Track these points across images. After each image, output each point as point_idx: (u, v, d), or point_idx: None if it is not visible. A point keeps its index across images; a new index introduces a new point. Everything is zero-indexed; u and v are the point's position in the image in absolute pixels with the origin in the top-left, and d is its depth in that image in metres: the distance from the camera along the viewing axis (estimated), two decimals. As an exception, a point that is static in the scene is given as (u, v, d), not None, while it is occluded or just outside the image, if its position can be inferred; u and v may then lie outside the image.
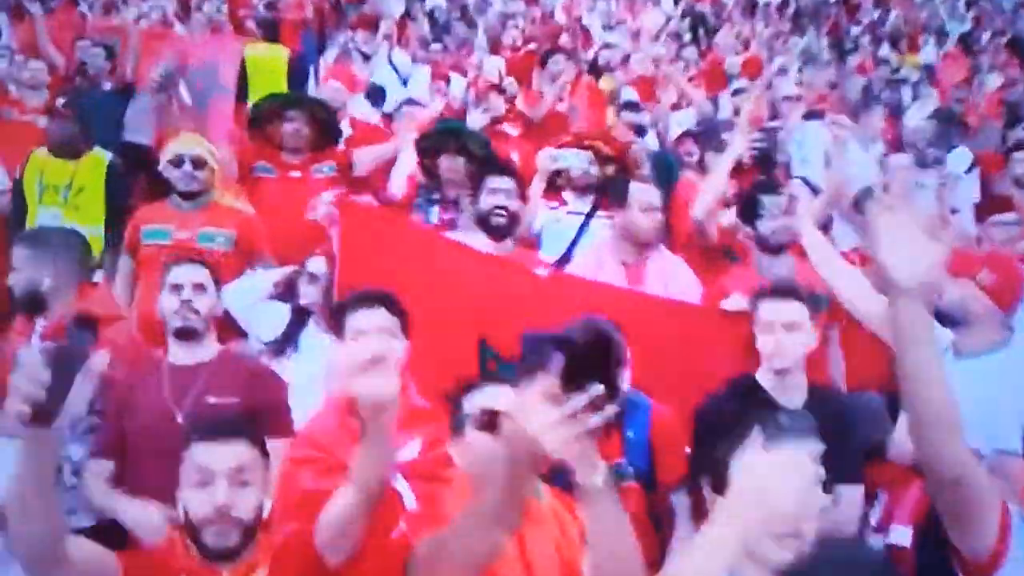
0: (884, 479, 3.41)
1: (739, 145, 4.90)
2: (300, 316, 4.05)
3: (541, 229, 5.08)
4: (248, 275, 4.36)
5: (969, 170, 6.92)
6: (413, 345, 3.05)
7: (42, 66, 7.34)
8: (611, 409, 1.71)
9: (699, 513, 3.13)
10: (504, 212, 4.32)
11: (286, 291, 4.16)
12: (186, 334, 3.36)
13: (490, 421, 2.38)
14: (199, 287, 3.40)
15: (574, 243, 5.09)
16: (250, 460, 2.36)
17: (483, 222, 4.32)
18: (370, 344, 2.65)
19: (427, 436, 2.97)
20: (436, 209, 5.22)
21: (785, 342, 3.24)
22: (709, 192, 4.83)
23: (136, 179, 7.91)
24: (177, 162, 4.71)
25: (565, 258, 5.09)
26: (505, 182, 4.36)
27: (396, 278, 3.50)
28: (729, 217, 4.96)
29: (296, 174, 5.37)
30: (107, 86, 7.79)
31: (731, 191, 5.15)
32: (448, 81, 8.31)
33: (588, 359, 1.70)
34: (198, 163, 4.69)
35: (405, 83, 9.01)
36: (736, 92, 7.62)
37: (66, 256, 3.73)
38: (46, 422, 1.99)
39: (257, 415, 3.28)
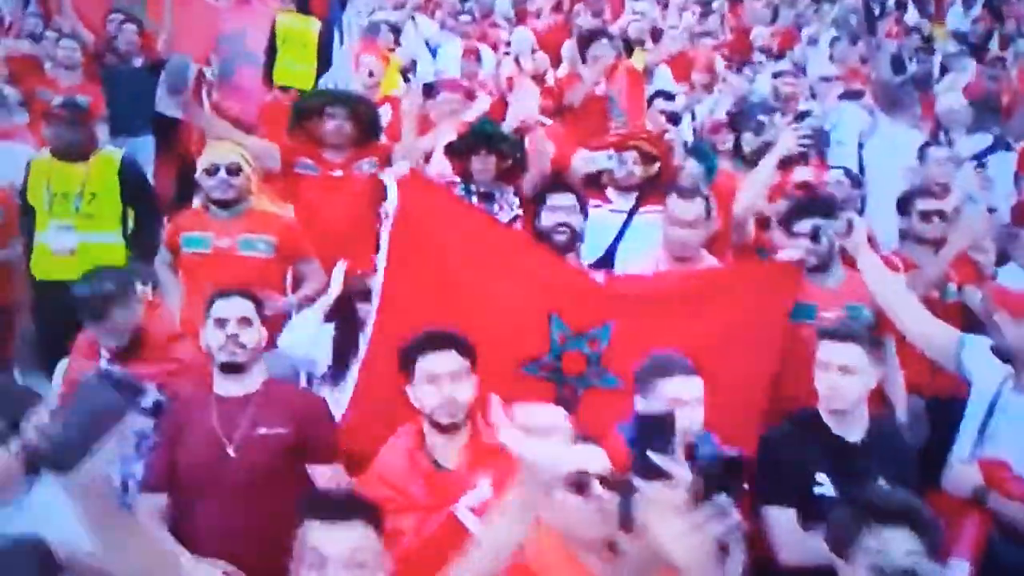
0: (940, 510, 3.47)
1: (787, 142, 4.86)
2: (349, 336, 4.08)
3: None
4: (298, 320, 4.28)
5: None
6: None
7: (76, 44, 7.36)
8: (735, 517, 1.76)
9: (754, 540, 3.24)
10: (567, 229, 4.35)
11: (336, 313, 4.19)
12: (233, 368, 3.41)
13: (581, 483, 2.43)
14: (244, 321, 3.42)
15: (617, 241, 5.16)
16: (366, 542, 2.34)
17: (545, 238, 4.34)
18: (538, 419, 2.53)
19: (497, 474, 3.01)
20: (475, 200, 5.22)
21: (840, 384, 3.28)
22: (751, 190, 4.82)
23: (169, 154, 8.06)
24: (212, 171, 4.65)
25: (608, 257, 5.18)
26: (567, 199, 4.38)
27: (451, 253, 3.61)
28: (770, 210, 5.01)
29: (338, 173, 5.34)
30: (138, 62, 7.81)
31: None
32: (479, 57, 8.24)
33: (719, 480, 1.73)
34: (232, 170, 4.65)
35: (434, 53, 9.00)
36: (777, 75, 7.54)
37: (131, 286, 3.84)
38: (62, 469, 1.97)
39: (306, 443, 3.39)
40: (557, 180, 4.50)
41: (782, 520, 3.25)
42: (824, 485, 3.27)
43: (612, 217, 5.18)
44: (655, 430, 2.18)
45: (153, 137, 7.71)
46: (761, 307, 3.84)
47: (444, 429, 3.07)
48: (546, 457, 2.20)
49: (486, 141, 5.27)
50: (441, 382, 3.03)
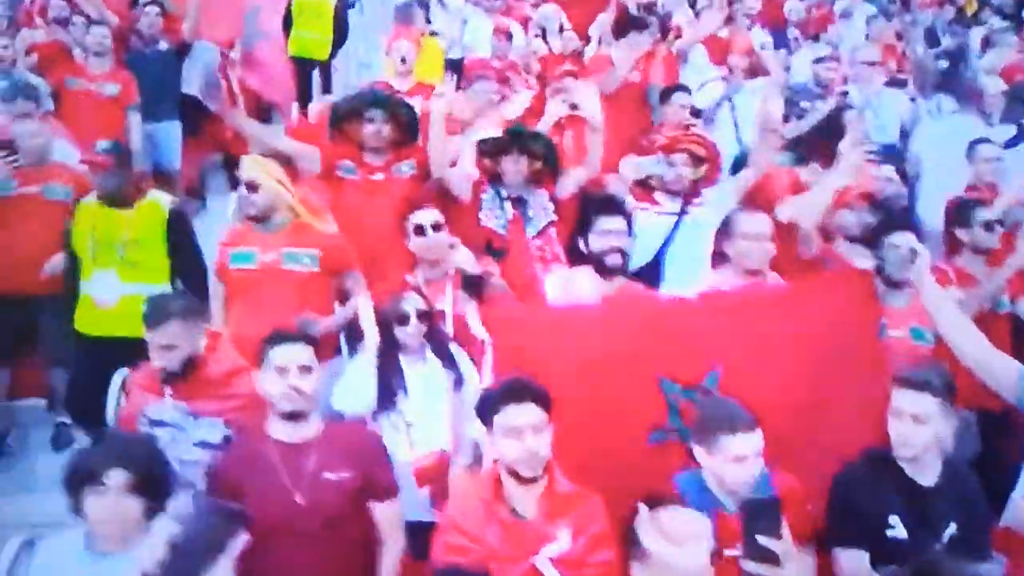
0: (1002, 545, 3.47)
1: (853, 159, 4.78)
2: (390, 364, 4.05)
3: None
4: (351, 374, 4.17)
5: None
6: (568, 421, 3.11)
7: (106, 31, 7.22)
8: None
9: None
10: (618, 253, 4.30)
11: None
12: (294, 416, 3.38)
13: None
14: (304, 368, 3.39)
15: (666, 244, 5.12)
16: None
17: (596, 262, 4.29)
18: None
19: (576, 523, 3.05)
20: (508, 205, 5.16)
21: (911, 433, 3.25)
22: (816, 205, 4.79)
23: (196, 138, 7.98)
24: (239, 187, 4.71)
25: (656, 261, 5.14)
26: (617, 222, 4.32)
27: (551, 365, 3.56)
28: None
29: (379, 176, 5.28)
30: (163, 46, 7.70)
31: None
32: (510, 36, 8.09)
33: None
34: (251, 186, 4.60)
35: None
36: (819, 60, 7.35)
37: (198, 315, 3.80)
38: None
39: (368, 483, 3.39)
40: (607, 201, 4.41)
41: (854, 562, 3.24)
42: (896, 528, 3.25)
43: (660, 220, 5.17)
44: (762, 514, 2.19)
45: (180, 121, 7.68)
46: (852, 319, 3.80)
47: (523, 480, 3.06)
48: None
49: (518, 141, 5.20)
50: (523, 435, 3.01)
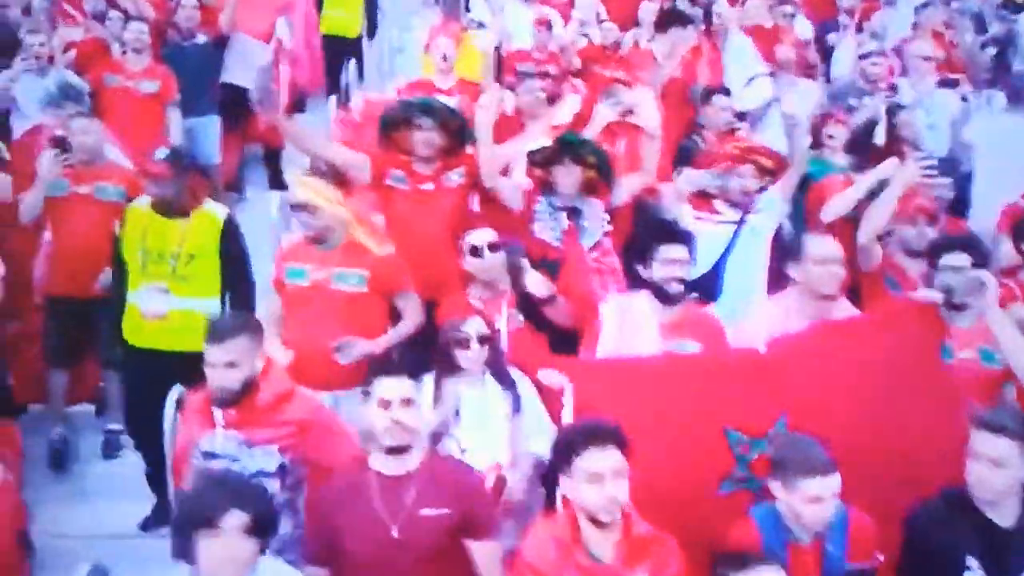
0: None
1: (909, 174, 4.70)
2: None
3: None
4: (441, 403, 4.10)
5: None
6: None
7: (144, 27, 7.17)
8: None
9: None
10: (680, 282, 4.23)
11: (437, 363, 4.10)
12: (396, 450, 3.35)
13: None
14: (407, 402, 3.34)
15: (725, 255, 5.06)
16: None
17: (658, 290, 4.23)
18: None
19: (654, 567, 3.04)
20: (563, 216, 5.08)
21: (990, 476, 3.20)
22: (875, 221, 4.72)
23: (236, 130, 7.94)
24: (292, 208, 4.66)
25: (715, 272, 5.07)
26: (680, 251, 4.25)
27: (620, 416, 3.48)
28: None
29: (429, 186, 5.20)
30: (201, 39, 7.63)
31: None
32: (550, 27, 7.95)
33: None
34: (306, 209, 4.54)
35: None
36: (865, 56, 7.10)
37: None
38: None
39: (466, 521, 3.34)
40: (670, 228, 4.34)
41: (931, 602, 3.22)
42: (973, 570, 3.22)
43: (719, 229, 5.10)
44: None
45: (219, 116, 7.64)
46: (915, 358, 3.75)
47: (601, 524, 3.03)
48: None
49: (570, 151, 5.11)
50: (604, 480, 2.97)
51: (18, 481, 4.97)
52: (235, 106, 7.54)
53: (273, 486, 3.64)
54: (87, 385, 5.91)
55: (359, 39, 9.81)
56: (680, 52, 6.54)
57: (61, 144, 5.51)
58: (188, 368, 4.59)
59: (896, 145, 5.99)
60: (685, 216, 5.01)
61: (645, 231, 4.48)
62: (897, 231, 4.90)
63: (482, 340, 4.01)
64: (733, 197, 5.13)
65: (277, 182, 8.43)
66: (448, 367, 4.03)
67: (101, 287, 5.32)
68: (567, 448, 3.06)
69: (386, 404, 3.32)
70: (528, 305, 4.53)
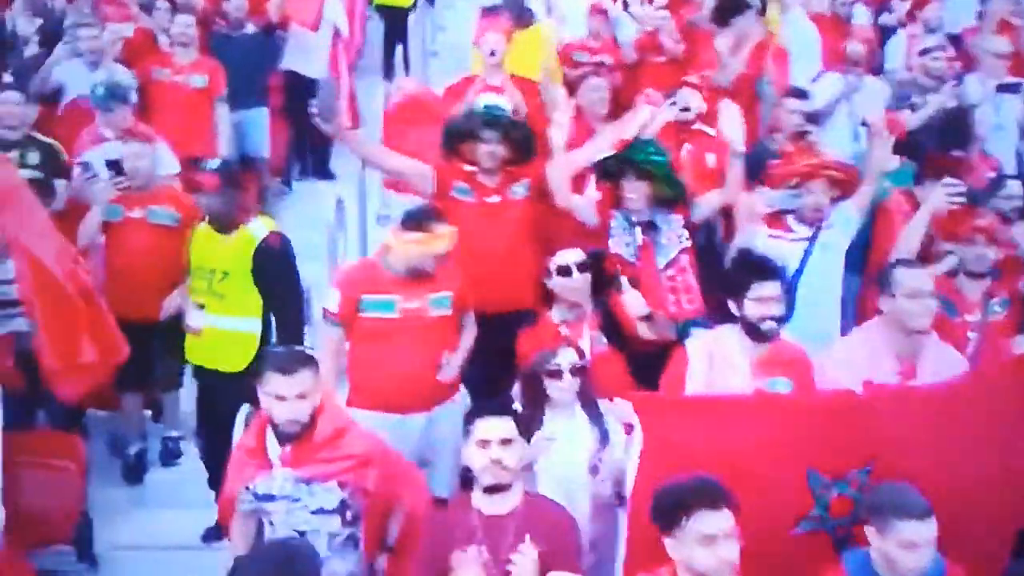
0: None
1: (936, 201, 4.69)
2: (534, 415, 3.90)
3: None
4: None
5: None
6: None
7: (191, 20, 7.02)
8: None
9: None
10: (774, 320, 4.11)
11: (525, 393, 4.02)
12: (496, 489, 3.32)
13: None
14: (507, 442, 3.31)
15: (798, 274, 4.92)
16: None
17: (750, 328, 4.09)
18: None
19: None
20: (639, 231, 4.95)
21: None
22: (909, 242, 4.68)
23: (287, 119, 7.83)
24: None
25: (789, 289, 4.89)
26: (774, 288, 4.10)
27: (698, 453, 3.48)
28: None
29: (495, 199, 5.10)
30: (249, 29, 7.49)
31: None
32: (606, 14, 7.71)
33: None
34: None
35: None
36: (925, 51, 6.80)
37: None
38: None
39: (555, 558, 3.29)
40: (765, 265, 4.21)
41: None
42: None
43: (792, 247, 4.94)
44: None
45: (268, 108, 7.53)
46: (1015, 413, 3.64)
47: None
48: None
49: (635, 164, 4.97)
50: (717, 543, 2.87)
51: (82, 493, 4.99)
52: (295, 94, 7.48)
53: (333, 523, 3.61)
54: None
55: (410, 9, 9.65)
56: (747, 47, 6.33)
57: (116, 166, 5.44)
58: (227, 388, 4.68)
59: (963, 145, 5.81)
60: (761, 236, 4.86)
61: (738, 266, 4.32)
62: (956, 251, 4.76)
63: (574, 371, 3.92)
64: (805, 213, 4.99)
65: (323, 172, 8.37)
66: (538, 398, 3.95)
67: (166, 312, 5.26)
68: (676, 507, 2.94)
69: (485, 444, 3.30)
70: (612, 327, 4.43)
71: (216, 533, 5.04)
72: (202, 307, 4.91)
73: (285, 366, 3.59)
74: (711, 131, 5.71)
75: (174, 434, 5.75)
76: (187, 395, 5.62)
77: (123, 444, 5.73)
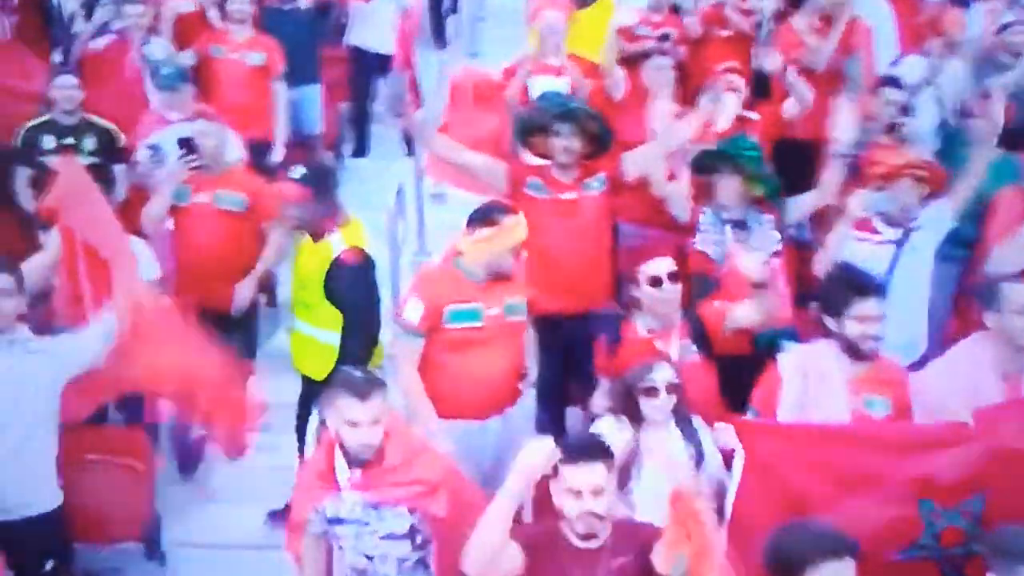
0: None
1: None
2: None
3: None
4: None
5: None
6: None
7: (246, -4, 6.83)
8: None
9: None
10: (875, 339, 3.94)
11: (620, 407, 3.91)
12: (588, 537, 3.18)
13: None
14: (598, 491, 3.14)
15: (887, 276, 4.71)
16: None
17: (850, 347, 3.93)
18: None
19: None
20: (729, 230, 4.81)
21: None
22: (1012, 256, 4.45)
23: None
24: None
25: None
26: (876, 307, 3.93)
27: (802, 478, 3.41)
28: None
29: (570, 195, 4.93)
30: (302, 3, 7.28)
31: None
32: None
33: None
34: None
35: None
36: (1004, 27, 6.31)
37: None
38: None
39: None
40: (867, 282, 4.02)
41: None
42: None
43: (879, 250, 4.76)
44: None
45: (320, 85, 7.35)
46: None
47: None
48: None
49: (731, 160, 4.80)
50: None
51: (151, 491, 4.94)
52: (361, 68, 7.42)
53: (403, 548, 3.55)
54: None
55: None
56: (840, 25, 6.04)
57: (187, 146, 5.29)
58: (316, 393, 4.53)
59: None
60: (848, 240, 4.68)
61: (837, 282, 4.13)
62: None
63: (670, 389, 3.79)
64: (893, 215, 4.79)
65: (362, 149, 8.23)
66: (631, 415, 3.83)
67: (238, 306, 5.17)
68: (798, 559, 2.83)
69: (577, 494, 3.13)
70: (702, 336, 4.28)
71: (283, 515, 4.99)
72: (292, 311, 4.85)
73: (361, 391, 3.47)
74: (753, 116, 5.57)
75: (243, 429, 5.67)
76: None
77: (182, 431, 5.67)
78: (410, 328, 4.31)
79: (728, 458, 3.72)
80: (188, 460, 5.56)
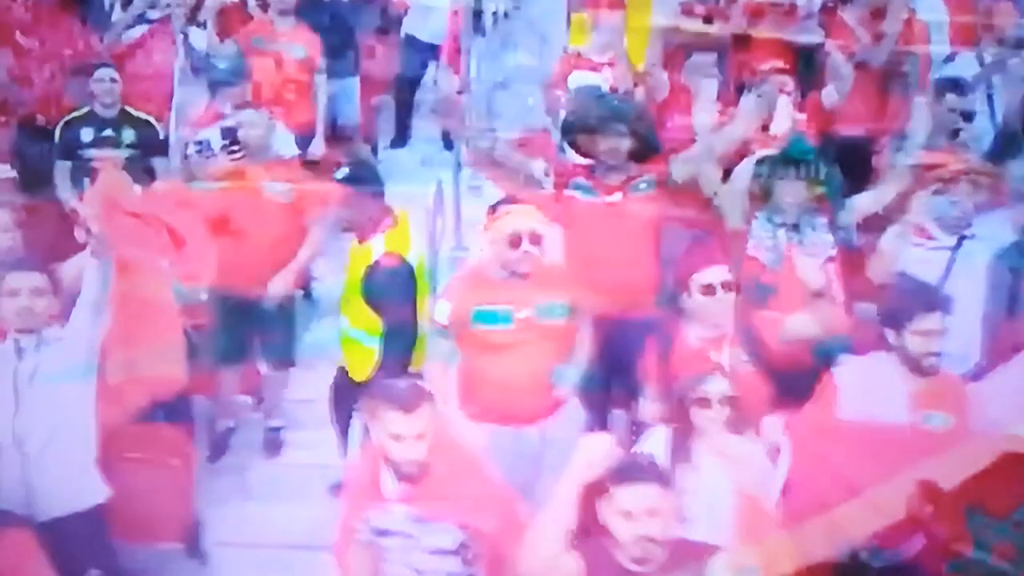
0: None
1: None
2: (683, 443, 3.74)
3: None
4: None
5: None
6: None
7: (288, -15, 6.75)
8: None
9: None
10: (937, 355, 3.84)
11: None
12: (645, 562, 3.10)
13: None
14: (652, 512, 3.05)
15: (940, 283, 4.62)
16: None
17: (911, 361, 3.84)
18: None
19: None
20: (782, 233, 4.69)
21: None
22: None
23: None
24: (516, 242, 4.20)
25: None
26: (939, 321, 3.82)
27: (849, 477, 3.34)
28: None
29: (616, 197, 4.82)
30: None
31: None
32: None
33: None
34: (535, 241, 4.21)
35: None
36: None
37: None
38: None
39: None
40: (932, 295, 3.91)
41: None
42: None
43: (933, 255, 4.64)
44: None
45: (358, 77, 7.26)
46: None
47: None
48: None
49: (794, 165, 4.67)
50: None
51: (191, 490, 4.92)
52: (410, 58, 7.47)
53: (451, 563, 3.46)
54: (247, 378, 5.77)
55: None
56: (899, 20, 5.88)
57: (230, 136, 5.26)
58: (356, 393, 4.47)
59: None
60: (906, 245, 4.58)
61: (899, 294, 4.02)
62: None
63: (723, 402, 3.70)
64: (948, 220, 4.67)
65: (402, 139, 8.15)
66: (683, 426, 3.74)
67: (271, 295, 5.14)
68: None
69: (629, 516, 3.04)
70: (755, 346, 4.16)
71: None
72: (340, 311, 4.81)
73: (406, 403, 3.37)
74: (800, 116, 5.51)
75: (276, 424, 5.65)
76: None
77: (213, 420, 5.65)
78: (440, 329, 4.28)
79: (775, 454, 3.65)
80: (217, 449, 5.58)
